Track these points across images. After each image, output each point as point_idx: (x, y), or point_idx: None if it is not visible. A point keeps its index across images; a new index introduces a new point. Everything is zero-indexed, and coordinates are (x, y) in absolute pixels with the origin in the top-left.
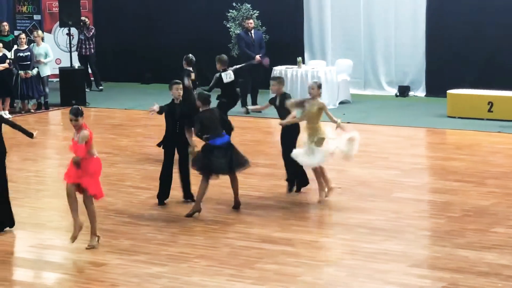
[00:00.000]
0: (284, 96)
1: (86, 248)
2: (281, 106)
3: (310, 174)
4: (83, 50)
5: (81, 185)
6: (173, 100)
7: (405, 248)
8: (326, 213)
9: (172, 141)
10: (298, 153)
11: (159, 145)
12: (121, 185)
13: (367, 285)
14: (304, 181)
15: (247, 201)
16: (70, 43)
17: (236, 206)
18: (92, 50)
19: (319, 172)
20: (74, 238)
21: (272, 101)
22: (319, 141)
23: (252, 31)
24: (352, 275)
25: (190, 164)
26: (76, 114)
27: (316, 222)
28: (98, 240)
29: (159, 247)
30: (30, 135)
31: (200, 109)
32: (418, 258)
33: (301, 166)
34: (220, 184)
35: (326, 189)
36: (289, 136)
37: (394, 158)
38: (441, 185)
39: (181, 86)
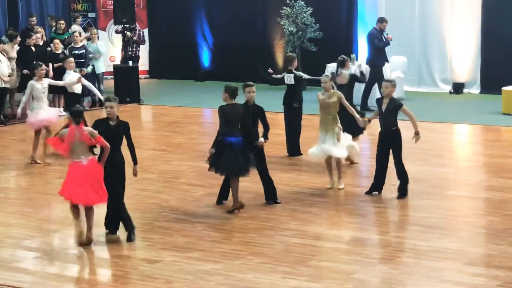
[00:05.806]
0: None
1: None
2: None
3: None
4: (128, 53)
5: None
6: (246, 102)
7: (460, 246)
8: (381, 211)
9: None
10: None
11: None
12: (176, 182)
13: (421, 283)
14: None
15: (301, 198)
16: (126, 41)
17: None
18: (138, 52)
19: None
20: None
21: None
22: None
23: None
24: (406, 273)
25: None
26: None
27: (370, 219)
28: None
29: (213, 244)
30: None
31: (225, 102)
32: (473, 256)
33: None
34: (275, 182)
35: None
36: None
37: (449, 156)
38: (497, 182)
39: (253, 88)
